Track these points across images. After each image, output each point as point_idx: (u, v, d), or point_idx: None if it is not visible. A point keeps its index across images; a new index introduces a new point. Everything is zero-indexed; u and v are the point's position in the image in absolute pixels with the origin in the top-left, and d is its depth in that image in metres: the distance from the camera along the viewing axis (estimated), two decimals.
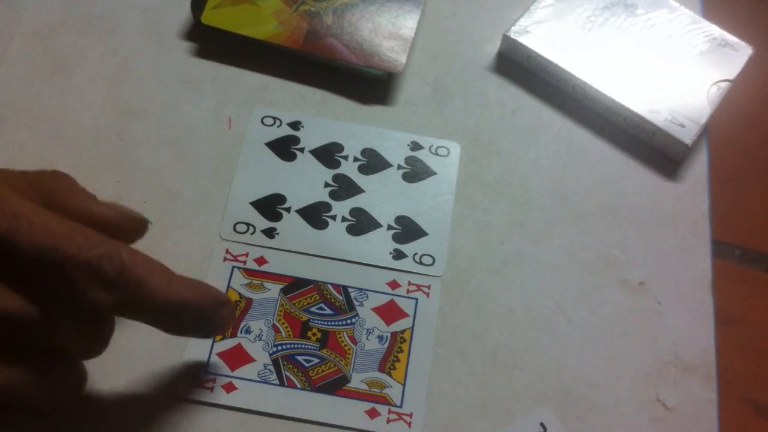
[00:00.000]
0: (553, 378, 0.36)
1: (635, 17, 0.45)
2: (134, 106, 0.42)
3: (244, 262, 0.38)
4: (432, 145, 0.42)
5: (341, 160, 0.41)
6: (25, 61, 0.43)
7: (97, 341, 0.30)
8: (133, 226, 0.32)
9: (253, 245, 0.38)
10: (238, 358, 0.35)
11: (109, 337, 0.30)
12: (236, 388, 0.34)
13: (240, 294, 0.37)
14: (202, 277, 0.37)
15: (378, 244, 0.39)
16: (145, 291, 0.28)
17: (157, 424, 0.34)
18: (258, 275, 0.37)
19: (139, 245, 0.37)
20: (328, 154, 0.41)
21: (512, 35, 0.44)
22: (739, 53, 0.44)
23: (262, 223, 0.39)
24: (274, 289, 0.37)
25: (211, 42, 0.44)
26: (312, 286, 0.37)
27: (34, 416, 0.32)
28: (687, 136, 0.41)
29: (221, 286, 0.37)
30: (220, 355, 0.35)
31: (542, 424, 0.35)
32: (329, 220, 0.39)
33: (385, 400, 0.35)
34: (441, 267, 0.38)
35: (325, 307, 0.37)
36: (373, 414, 0.34)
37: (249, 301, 0.37)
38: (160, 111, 0.42)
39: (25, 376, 0.28)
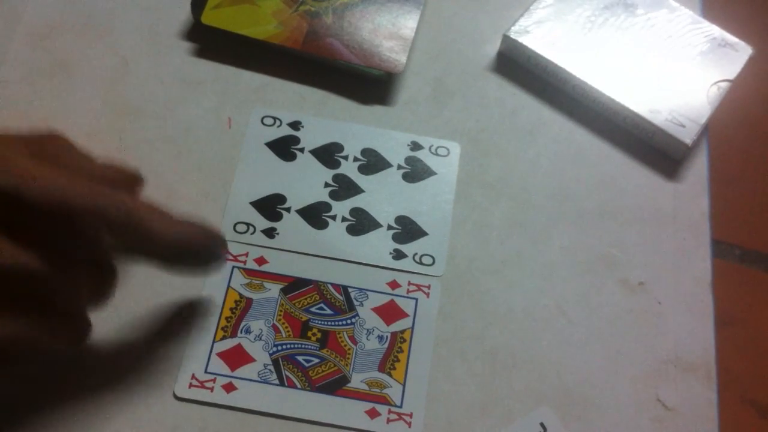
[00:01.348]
0: (553, 378, 0.36)
1: (635, 17, 0.45)
2: (134, 106, 0.42)
3: (244, 262, 0.38)
4: (432, 145, 0.42)
5: (341, 160, 0.41)
6: (25, 61, 0.43)
7: (103, 291, 0.31)
8: (129, 181, 0.35)
9: (253, 245, 0.38)
10: (238, 358, 0.35)
11: (114, 286, 0.32)
12: (236, 388, 0.34)
13: (240, 294, 0.37)
14: (202, 278, 0.37)
15: (378, 244, 0.39)
16: (148, 233, 0.30)
17: (157, 423, 0.34)
18: (258, 275, 0.37)
19: None
20: (328, 154, 0.41)
21: (512, 35, 0.44)
22: (739, 53, 0.44)
23: (262, 223, 0.39)
24: (274, 289, 0.37)
25: (211, 42, 0.44)
26: (312, 286, 0.37)
27: (38, 366, 0.33)
28: (687, 136, 0.41)
29: (221, 286, 0.37)
30: (220, 355, 0.35)
31: (542, 424, 0.35)
32: (329, 220, 0.39)
33: (385, 400, 0.35)
34: (441, 267, 0.38)
35: (325, 307, 0.37)
36: (373, 414, 0.34)
37: (249, 301, 0.37)
38: (160, 111, 0.42)
39: (34, 327, 0.29)
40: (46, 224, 0.28)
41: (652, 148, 0.43)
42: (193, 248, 0.32)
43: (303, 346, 0.36)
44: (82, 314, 0.32)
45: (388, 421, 0.34)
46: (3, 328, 0.28)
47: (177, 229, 0.31)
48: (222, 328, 0.36)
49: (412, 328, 0.37)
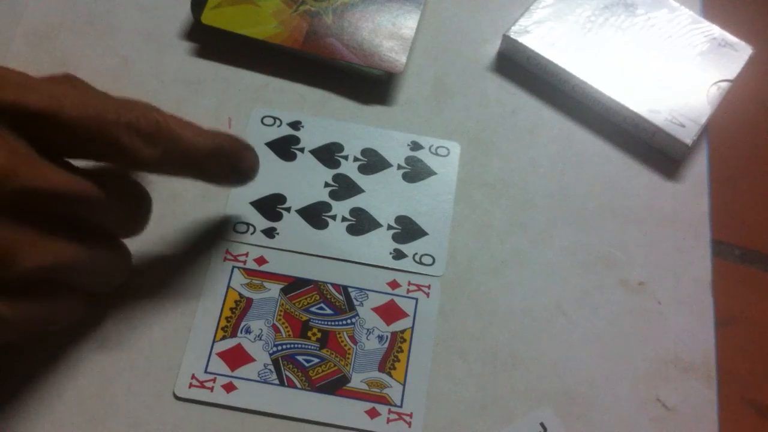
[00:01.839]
0: (553, 378, 0.36)
1: (635, 17, 0.45)
2: None
3: (244, 262, 0.38)
4: (432, 145, 0.42)
5: (341, 160, 0.41)
6: (25, 61, 0.43)
7: (139, 216, 0.32)
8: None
9: (253, 245, 0.38)
10: (238, 358, 0.35)
11: (149, 214, 0.33)
12: (236, 388, 0.34)
13: (240, 294, 0.37)
14: (202, 277, 0.37)
15: (378, 244, 0.39)
16: (182, 141, 0.31)
17: (157, 423, 0.34)
18: (258, 275, 0.37)
19: (140, 244, 0.38)
20: (328, 154, 0.41)
21: (512, 35, 0.44)
22: (739, 53, 0.44)
23: (262, 223, 0.39)
24: (274, 289, 0.37)
25: (211, 42, 0.44)
26: (312, 285, 0.37)
27: (87, 302, 0.33)
28: (687, 136, 0.41)
29: (221, 286, 0.37)
30: (220, 355, 0.35)
31: (542, 424, 0.35)
32: (329, 220, 0.39)
33: (385, 400, 0.35)
34: (441, 267, 0.38)
35: (325, 307, 0.37)
36: (373, 414, 0.34)
37: (249, 301, 0.37)
38: None
39: (81, 253, 0.29)
40: (84, 144, 0.29)
41: (652, 148, 0.43)
42: (226, 152, 0.33)
43: (303, 346, 0.36)
44: (120, 243, 0.33)
45: (388, 421, 0.34)
46: (62, 252, 0.29)
47: (208, 135, 0.32)
48: (222, 328, 0.36)
49: (412, 328, 0.37)
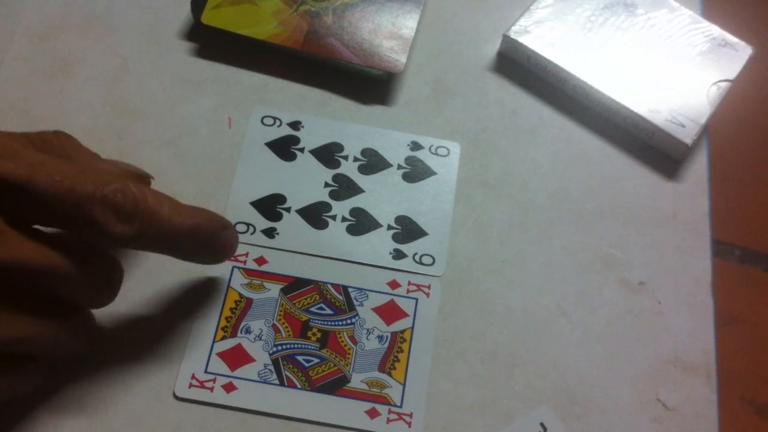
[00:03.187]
0: (553, 378, 0.36)
1: (635, 17, 0.45)
2: (134, 106, 0.42)
3: (244, 262, 0.38)
4: (432, 145, 0.42)
5: (341, 160, 0.41)
6: (25, 61, 0.43)
7: (109, 289, 0.31)
8: (137, 177, 0.35)
9: (253, 245, 0.38)
10: (238, 358, 0.35)
11: (119, 284, 0.31)
12: (236, 388, 0.34)
13: (240, 294, 0.37)
14: (202, 277, 0.37)
15: (378, 244, 0.39)
16: (158, 220, 0.30)
17: (157, 423, 0.34)
18: (258, 275, 0.37)
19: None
20: (328, 154, 0.41)
21: (512, 35, 0.44)
22: (739, 53, 0.44)
23: (262, 223, 0.39)
24: (274, 289, 0.37)
25: (211, 42, 0.44)
26: (312, 286, 0.37)
27: (48, 369, 0.32)
28: (687, 136, 0.41)
29: (221, 286, 0.37)
30: (220, 355, 0.35)
31: (542, 424, 0.35)
32: (329, 220, 0.39)
33: (385, 400, 0.35)
34: (441, 267, 0.38)
35: (325, 307, 0.37)
36: (373, 414, 0.34)
37: (249, 301, 0.37)
38: (160, 111, 0.42)
39: (43, 327, 0.29)
40: (56, 217, 0.28)
41: (652, 148, 0.43)
42: (203, 234, 0.32)
43: (303, 346, 0.36)
44: (87, 313, 0.32)
45: (388, 421, 0.34)
46: (25, 326, 0.28)
47: (187, 214, 0.31)
48: (222, 328, 0.36)
49: (412, 328, 0.37)
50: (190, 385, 0.34)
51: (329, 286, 0.37)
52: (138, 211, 0.29)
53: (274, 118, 0.42)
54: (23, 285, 0.28)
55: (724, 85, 0.43)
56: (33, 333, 0.28)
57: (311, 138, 0.42)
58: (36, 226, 0.29)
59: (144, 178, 0.36)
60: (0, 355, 0.29)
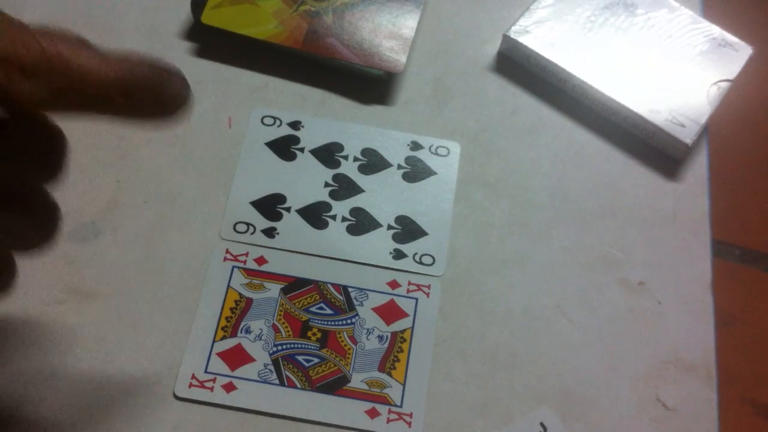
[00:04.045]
0: (553, 378, 0.36)
1: (635, 17, 0.45)
2: None
3: (244, 262, 0.38)
4: (432, 145, 0.42)
5: (341, 159, 0.41)
6: None
7: (54, 156, 0.27)
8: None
9: (253, 245, 0.38)
10: (238, 358, 0.35)
11: (65, 151, 0.27)
12: (236, 388, 0.34)
13: (240, 294, 0.37)
14: (202, 277, 0.37)
15: (378, 244, 0.39)
16: (75, 69, 0.25)
17: (157, 423, 0.34)
18: (258, 275, 0.37)
19: (140, 245, 0.38)
20: (328, 154, 0.41)
21: (512, 35, 0.44)
22: (739, 53, 0.44)
23: (262, 222, 0.39)
24: (274, 289, 0.37)
25: (211, 42, 0.44)
26: (312, 285, 0.37)
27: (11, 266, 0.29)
28: (687, 136, 0.41)
29: (221, 286, 0.37)
30: (220, 355, 0.35)
31: (542, 424, 0.35)
32: (329, 220, 0.39)
33: (385, 400, 0.35)
34: (441, 267, 0.38)
35: (325, 307, 0.37)
36: (373, 414, 0.34)
37: (249, 301, 0.37)
38: None
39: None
40: None
41: (652, 148, 0.43)
42: (141, 81, 0.26)
43: (303, 345, 0.36)
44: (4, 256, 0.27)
45: (388, 420, 0.34)
46: None
47: (114, 61, 0.25)
48: (222, 328, 0.36)
49: (412, 328, 0.37)
50: (190, 385, 0.34)
51: (329, 286, 0.37)
52: (45, 62, 0.24)
53: (274, 118, 0.42)
54: None
55: (724, 85, 0.43)
56: None
57: (311, 138, 0.42)
58: None
59: (78, 40, 0.27)
60: None
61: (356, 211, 0.40)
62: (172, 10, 0.45)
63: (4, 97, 0.24)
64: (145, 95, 0.27)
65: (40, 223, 0.27)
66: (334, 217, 0.39)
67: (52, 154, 0.26)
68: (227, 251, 0.38)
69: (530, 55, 0.44)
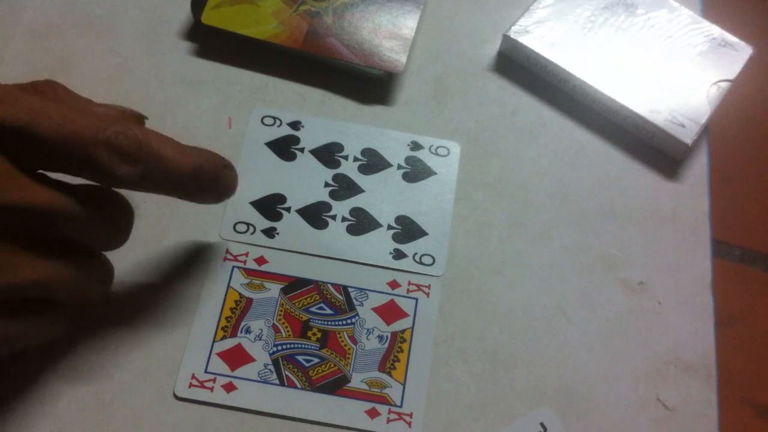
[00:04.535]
0: (553, 378, 0.36)
1: (635, 17, 0.45)
2: (134, 106, 0.42)
3: (244, 262, 0.38)
4: (432, 145, 0.42)
5: (341, 159, 0.41)
6: (25, 61, 0.43)
7: (120, 232, 0.32)
8: (132, 118, 0.35)
9: (253, 245, 0.38)
10: (238, 358, 0.35)
11: (130, 228, 0.32)
12: (236, 388, 0.34)
13: (240, 294, 0.37)
14: (202, 277, 0.37)
15: (378, 244, 0.39)
16: (162, 160, 0.30)
17: (157, 423, 0.34)
18: (258, 275, 0.37)
19: (140, 245, 0.38)
20: (328, 154, 0.41)
21: (512, 35, 0.44)
22: (739, 53, 0.44)
23: (262, 222, 0.39)
24: (274, 289, 0.37)
25: (211, 42, 0.44)
26: (312, 285, 0.37)
27: (67, 317, 0.32)
28: (687, 136, 0.41)
29: (221, 286, 0.37)
30: (220, 355, 0.35)
31: (542, 424, 0.35)
32: (329, 220, 0.39)
33: (385, 400, 0.35)
34: (441, 267, 0.38)
35: (325, 307, 0.37)
36: (373, 414, 0.34)
37: (249, 301, 0.37)
38: (160, 111, 0.42)
39: (60, 269, 0.29)
40: (61, 160, 0.28)
41: (652, 148, 0.43)
42: (206, 172, 0.32)
43: (303, 345, 0.36)
44: (101, 256, 0.32)
45: (388, 420, 0.34)
46: (41, 269, 0.28)
47: (190, 154, 0.31)
48: (222, 328, 0.36)
49: (412, 328, 0.37)
50: (190, 385, 0.34)
51: (329, 285, 0.37)
52: (142, 153, 0.29)
53: (274, 118, 0.42)
54: (35, 228, 0.28)
55: (724, 85, 0.43)
56: (49, 275, 0.28)
57: (311, 138, 0.42)
58: (41, 171, 0.29)
59: (140, 119, 0.36)
60: (19, 300, 0.29)
61: (356, 211, 0.40)
62: (172, 10, 0.45)
63: (104, 177, 0.29)
64: (209, 183, 0.32)
65: (118, 225, 0.32)
66: (334, 217, 0.39)
67: (121, 227, 0.32)
68: (227, 251, 0.38)
69: (530, 55, 0.44)
